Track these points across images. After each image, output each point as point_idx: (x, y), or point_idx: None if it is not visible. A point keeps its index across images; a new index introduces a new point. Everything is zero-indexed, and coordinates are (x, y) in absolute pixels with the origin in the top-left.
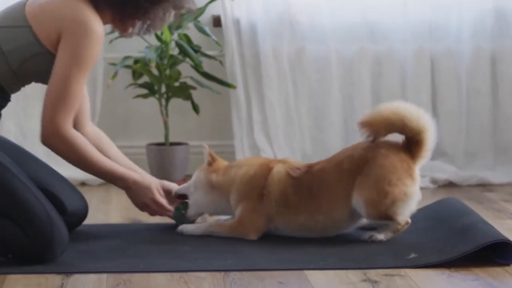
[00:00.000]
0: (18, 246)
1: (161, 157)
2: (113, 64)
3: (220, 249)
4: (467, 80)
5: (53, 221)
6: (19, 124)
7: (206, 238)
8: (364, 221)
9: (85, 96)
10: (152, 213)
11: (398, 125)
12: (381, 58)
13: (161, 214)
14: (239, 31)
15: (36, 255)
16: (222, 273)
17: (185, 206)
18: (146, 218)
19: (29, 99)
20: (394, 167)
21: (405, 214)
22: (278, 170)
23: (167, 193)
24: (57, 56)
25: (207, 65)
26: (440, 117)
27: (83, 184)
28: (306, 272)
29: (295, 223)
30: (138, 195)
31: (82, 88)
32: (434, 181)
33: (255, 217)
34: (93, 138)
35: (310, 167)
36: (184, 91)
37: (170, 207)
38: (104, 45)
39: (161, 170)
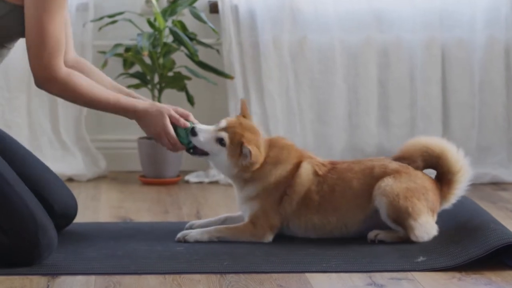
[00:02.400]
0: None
1: (154, 152)
2: (103, 52)
3: (216, 250)
4: (480, 72)
5: (38, 224)
6: (3, 116)
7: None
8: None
9: (68, 26)
10: (165, 146)
11: (435, 162)
12: (388, 48)
13: (172, 150)
14: (237, 18)
15: (20, 258)
16: (218, 275)
17: (193, 131)
18: (137, 216)
19: (14, 91)
20: (426, 188)
21: (422, 224)
22: (306, 168)
23: (184, 116)
24: (25, 5)
25: (203, 54)
26: (451, 111)
27: (70, 179)
28: (308, 275)
29: (309, 223)
30: (150, 125)
31: (60, 27)
32: None
33: (272, 216)
34: (77, 69)
35: (334, 164)
36: (178, 82)
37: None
38: (93, 32)
39: (153, 165)
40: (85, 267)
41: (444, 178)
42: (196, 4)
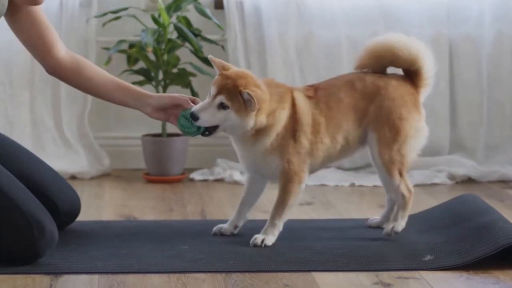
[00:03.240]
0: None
1: (158, 149)
2: (107, 49)
3: (221, 248)
4: (488, 68)
5: (32, 221)
6: (6, 113)
7: (206, 236)
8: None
9: (47, 26)
10: None
11: (389, 55)
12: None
13: None
14: (242, 14)
15: (20, 257)
16: (223, 274)
17: (194, 116)
18: (141, 214)
19: (16, 87)
20: (404, 100)
21: (416, 150)
22: (299, 97)
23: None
24: None
25: (208, 50)
26: (458, 108)
27: (73, 177)
28: (314, 274)
29: (324, 148)
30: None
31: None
32: (451, 176)
33: (296, 160)
34: (73, 64)
35: (315, 86)
36: (183, 78)
37: None
38: (97, 28)
39: (157, 163)
40: (88, 266)
41: (409, 72)
42: (200, 0)
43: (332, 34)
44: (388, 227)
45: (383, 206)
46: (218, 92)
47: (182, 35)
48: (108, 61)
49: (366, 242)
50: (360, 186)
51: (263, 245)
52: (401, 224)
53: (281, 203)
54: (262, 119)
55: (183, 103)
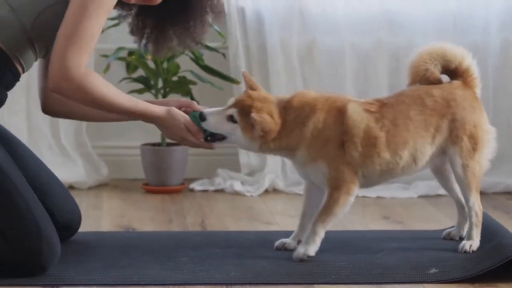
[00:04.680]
0: (1, 258)
1: (157, 159)
2: (105, 56)
3: (221, 260)
4: (494, 77)
5: (43, 235)
6: (2, 120)
7: (206, 248)
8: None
9: None
10: (192, 146)
11: (440, 54)
12: (399, 52)
13: (201, 146)
14: (244, 21)
15: (22, 269)
16: (224, 286)
17: (202, 116)
18: (140, 225)
19: (13, 94)
20: (473, 106)
21: (490, 155)
22: (354, 108)
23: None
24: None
25: (208, 58)
26: None
27: (71, 187)
28: (317, 286)
29: (382, 163)
30: (167, 131)
31: (98, 28)
32: None
33: (346, 170)
34: None
35: (381, 101)
36: (183, 86)
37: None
38: None
39: (157, 173)
40: (86, 278)
41: (458, 75)
42: None
43: (336, 42)
44: (466, 245)
45: (387, 217)
46: (233, 105)
47: None
48: (107, 68)
49: (369, 254)
50: (363, 197)
51: (306, 257)
52: (476, 243)
53: (326, 210)
54: (270, 146)
55: (190, 104)
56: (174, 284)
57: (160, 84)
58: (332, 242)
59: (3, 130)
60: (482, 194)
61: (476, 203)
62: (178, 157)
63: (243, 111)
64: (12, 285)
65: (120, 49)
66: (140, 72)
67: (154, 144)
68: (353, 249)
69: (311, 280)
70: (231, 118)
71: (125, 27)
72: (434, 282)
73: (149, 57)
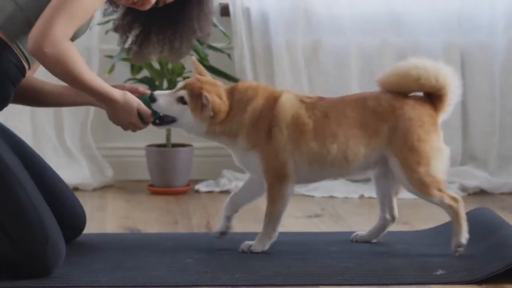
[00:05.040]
0: (5, 259)
1: (162, 160)
2: (110, 57)
3: (227, 262)
4: (501, 77)
5: (49, 237)
6: (6, 122)
7: (211, 249)
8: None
9: None
10: (126, 130)
11: (415, 84)
12: (405, 52)
13: (134, 131)
14: (249, 21)
15: (27, 271)
16: None
17: (152, 97)
18: (145, 227)
19: None
20: (422, 120)
21: (442, 172)
22: (287, 97)
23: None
24: None
25: (213, 59)
26: (470, 117)
27: (75, 189)
28: (322, 287)
29: (310, 152)
30: (117, 116)
31: (91, 5)
32: (463, 188)
33: (277, 158)
34: None
35: (322, 97)
36: None
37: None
38: (100, 35)
39: (162, 174)
40: (91, 280)
41: (432, 95)
42: None
43: (341, 42)
44: (453, 243)
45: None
46: (183, 88)
47: None
48: (112, 69)
49: (375, 256)
50: (370, 198)
51: (249, 251)
52: (464, 236)
53: (269, 210)
54: (216, 129)
55: (135, 89)
56: (179, 286)
57: (165, 85)
58: (339, 243)
59: (8, 132)
60: (489, 194)
61: (443, 198)
62: (183, 158)
63: (193, 93)
64: (17, 286)
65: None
66: (144, 73)
67: (159, 145)
68: (359, 250)
69: (316, 282)
70: (181, 100)
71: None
72: (440, 283)
73: (153, 58)
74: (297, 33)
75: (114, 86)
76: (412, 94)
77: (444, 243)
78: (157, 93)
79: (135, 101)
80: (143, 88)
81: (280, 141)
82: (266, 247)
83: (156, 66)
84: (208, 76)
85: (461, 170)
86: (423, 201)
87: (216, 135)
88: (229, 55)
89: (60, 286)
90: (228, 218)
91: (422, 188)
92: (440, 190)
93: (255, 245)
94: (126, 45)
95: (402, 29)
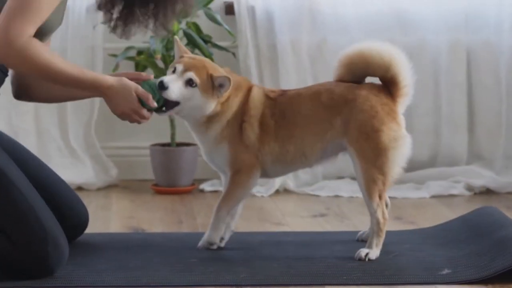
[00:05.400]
0: (7, 261)
1: (167, 159)
2: (114, 56)
3: (231, 261)
4: (507, 76)
5: (49, 236)
6: (10, 122)
7: (216, 249)
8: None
9: None
10: (132, 121)
11: (361, 64)
12: (411, 51)
13: (140, 122)
14: (254, 20)
15: (30, 271)
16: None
17: (162, 85)
18: (150, 227)
19: None
20: (375, 111)
21: (398, 163)
22: (257, 91)
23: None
24: None
25: (218, 57)
26: (476, 117)
27: (79, 188)
28: (327, 287)
29: (273, 153)
30: (117, 104)
31: (48, 2)
32: (469, 187)
33: (245, 152)
34: None
35: (284, 91)
36: None
37: (149, 115)
38: (104, 34)
39: (166, 173)
40: (95, 280)
41: (385, 80)
42: (211, 5)
43: (347, 41)
44: (362, 252)
45: (399, 218)
46: (187, 69)
47: (191, 42)
48: (116, 68)
49: (381, 255)
50: None
51: (208, 245)
52: (375, 252)
53: (227, 194)
54: (218, 107)
55: (138, 75)
56: (184, 286)
57: None
58: (344, 242)
59: (1, 134)
60: (495, 194)
61: (378, 211)
62: (188, 158)
63: (200, 73)
64: (20, 287)
65: (129, 48)
66: (149, 72)
67: (163, 145)
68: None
69: (322, 282)
70: (189, 82)
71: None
72: (447, 283)
73: (158, 56)
74: (302, 32)
75: (116, 75)
76: (368, 84)
77: (449, 242)
78: (166, 80)
79: (132, 84)
80: (147, 74)
81: (251, 138)
82: (222, 231)
83: (161, 64)
84: (190, 55)
85: (467, 169)
86: (427, 201)
87: (205, 121)
88: (234, 54)
89: (64, 286)
90: (222, 239)
91: (370, 185)
92: (380, 197)
93: (212, 234)
94: (112, 25)
95: (408, 28)
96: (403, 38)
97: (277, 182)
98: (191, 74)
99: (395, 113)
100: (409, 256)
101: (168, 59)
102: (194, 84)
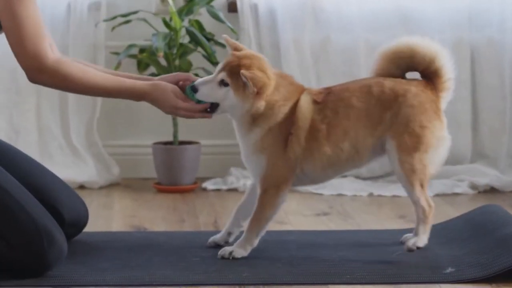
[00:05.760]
0: (5, 261)
1: (169, 158)
2: (116, 53)
3: (234, 260)
4: (511, 74)
5: (43, 234)
6: (11, 120)
7: (218, 248)
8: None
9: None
10: (185, 117)
11: (407, 57)
12: None
13: (196, 116)
14: (256, 18)
15: (28, 270)
16: (237, 287)
17: (194, 88)
18: (152, 225)
19: (23, 94)
20: (424, 107)
21: (436, 162)
22: (304, 99)
23: (187, 79)
24: None
25: (221, 55)
26: (480, 115)
27: (81, 187)
28: (331, 286)
29: (323, 158)
30: (159, 106)
31: (34, 11)
32: (473, 186)
33: (282, 169)
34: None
35: (329, 88)
36: None
37: (200, 106)
38: (106, 32)
39: (169, 172)
40: (97, 279)
41: (428, 75)
42: (214, 3)
43: (350, 39)
44: (409, 242)
45: (403, 216)
46: (222, 69)
47: (194, 40)
48: (118, 66)
49: (384, 254)
50: (379, 196)
51: (230, 257)
52: (423, 239)
53: (257, 216)
54: (260, 105)
55: (187, 77)
56: (186, 285)
57: None
58: (348, 241)
59: None
60: (499, 192)
61: (421, 198)
62: (190, 156)
63: (233, 72)
64: (21, 286)
65: (131, 46)
66: (151, 70)
67: (166, 143)
68: (368, 248)
69: (325, 281)
70: (222, 83)
71: (136, 24)
72: (450, 282)
73: (160, 54)
74: (305, 30)
75: (164, 78)
76: (416, 79)
77: (452, 240)
78: (198, 81)
79: (166, 85)
80: (194, 77)
81: (296, 152)
82: (247, 252)
83: (163, 63)
84: (245, 49)
85: (471, 167)
86: (432, 199)
87: (248, 121)
88: None
89: (65, 285)
90: (229, 234)
91: (409, 174)
92: (422, 186)
93: (236, 250)
94: None
95: (411, 25)
96: (406, 36)
97: None
98: (223, 75)
99: (440, 111)
100: (413, 255)
101: (170, 57)
102: (226, 84)
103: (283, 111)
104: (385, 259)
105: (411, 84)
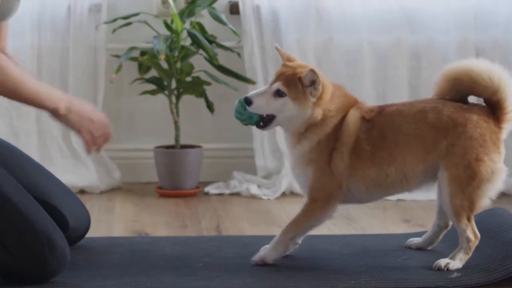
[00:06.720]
0: (7, 269)
1: (171, 162)
2: (117, 56)
3: (237, 266)
4: None
5: (44, 240)
6: (11, 123)
7: (221, 253)
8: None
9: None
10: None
11: (467, 82)
12: (419, 50)
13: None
14: (259, 19)
15: (31, 277)
16: None
17: (248, 100)
18: (153, 230)
19: None
20: (484, 139)
21: (489, 195)
22: (353, 115)
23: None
24: None
25: (223, 58)
26: None
27: (82, 191)
28: None
29: (367, 179)
30: (77, 112)
31: None
32: None
33: (329, 182)
34: None
35: (382, 107)
36: (197, 87)
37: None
38: (107, 34)
39: (171, 176)
40: (98, 284)
41: (490, 104)
42: (215, 5)
43: (354, 40)
44: (442, 262)
45: (407, 220)
46: (276, 79)
47: (196, 42)
48: (119, 69)
49: (389, 259)
50: (384, 199)
51: (262, 262)
52: (457, 265)
53: (296, 221)
54: (318, 114)
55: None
56: None
57: (174, 85)
58: (352, 246)
59: None
60: (506, 195)
61: (468, 230)
62: (193, 160)
63: (288, 81)
64: None
65: (132, 48)
66: (153, 73)
67: (167, 147)
68: (373, 253)
69: (329, 286)
70: (277, 93)
71: (137, 26)
72: (456, 286)
73: (162, 57)
74: (308, 32)
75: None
76: (478, 107)
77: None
78: (251, 94)
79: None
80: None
81: (339, 168)
82: (279, 255)
83: (165, 65)
84: (297, 61)
85: None
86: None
87: (299, 132)
88: (238, 54)
89: None
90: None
91: (457, 210)
92: (469, 219)
93: (269, 255)
94: None
95: (416, 26)
96: (412, 37)
97: (283, 184)
98: (278, 85)
99: (500, 142)
100: (418, 260)
101: (172, 60)
102: (283, 94)
103: (333, 121)
104: (391, 264)
105: (473, 112)
